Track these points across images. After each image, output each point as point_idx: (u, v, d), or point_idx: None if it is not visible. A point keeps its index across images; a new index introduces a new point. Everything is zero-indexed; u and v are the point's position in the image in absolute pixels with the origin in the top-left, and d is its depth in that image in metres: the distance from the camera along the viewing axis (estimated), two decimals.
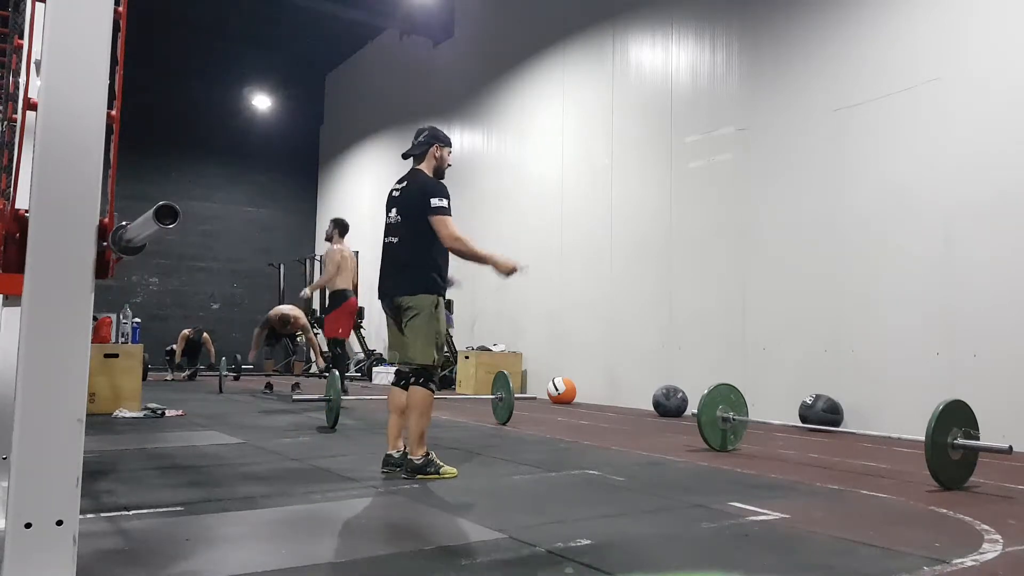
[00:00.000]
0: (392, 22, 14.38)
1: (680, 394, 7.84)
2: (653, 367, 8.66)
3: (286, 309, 10.36)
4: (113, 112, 2.06)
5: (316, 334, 12.76)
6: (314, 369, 13.25)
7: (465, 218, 10.73)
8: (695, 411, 5.12)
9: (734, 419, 5.07)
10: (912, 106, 6.36)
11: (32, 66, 2.81)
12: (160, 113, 16.88)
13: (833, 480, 4.00)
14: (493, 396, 6.88)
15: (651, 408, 8.03)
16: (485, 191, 12.04)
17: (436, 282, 4.02)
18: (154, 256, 17.15)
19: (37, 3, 2.35)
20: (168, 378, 12.99)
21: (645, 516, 3.10)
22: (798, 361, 7.13)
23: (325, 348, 11.55)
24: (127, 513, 2.97)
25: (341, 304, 8.39)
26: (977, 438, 3.86)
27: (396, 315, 4.05)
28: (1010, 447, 3.79)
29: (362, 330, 13.90)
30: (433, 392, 3.98)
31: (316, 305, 14.60)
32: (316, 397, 6.72)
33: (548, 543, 2.56)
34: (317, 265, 16.04)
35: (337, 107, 18.88)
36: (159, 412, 6.92)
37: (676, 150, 8.67)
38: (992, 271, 5.74)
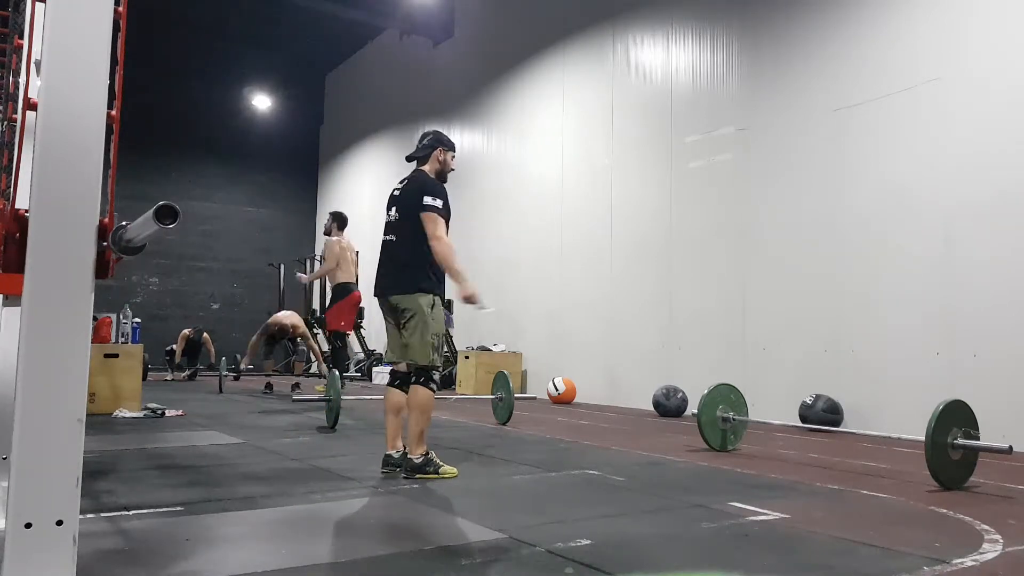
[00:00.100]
0: (392, 22, 14.38)
1: (680, 394, 7.84)
2: (653, 367, 8.66)
3: (285, 319, 10.32)
4: (113, 112, 2.06)
5: (316, 334, 12.78)
6: (314, 369, 13.27)
7: (465, 218, 10.76)
8: (695, 411, 5.12)
9: (734, 419, 5.08)
10: (912, 106, 6.36)
11: (32, 66, 2.81)
12: (160, 113, 16.88)
13: (833, 480, 4.00)
14: (493, 396, 6.88)
15: (651, 408, 8.03)
16: (485, 191, 12.04)
17: (433, 282, 4.02)
18: (154, 256, 17.15)
19: (37, 3, 2.35)
20: (168, 378, 12.99)
21: (645, 516, 3.10)
22: (798, 361, 7.13)
23: (325, 348, 11.57)
24: (127, 513, 2.97)
25: (345, 297, 8.38)
26: (977, 438, 3.86)
27: (393, 314, 4.06)
28: (1010, 447, 3.79)
29: (362, 330, 13.90)
30: (434, 392, 3.98)
31: (316, 305, 14.62)
32: (316, 397, 6.73)
33: (548, 543, 2.56)
34: (317, 264, 16.05)
35: (337, 107, 18.88)
36: (159, 412, 6.92)
37: (676, 150, 8.67)
38: (992, 271, 5.74)
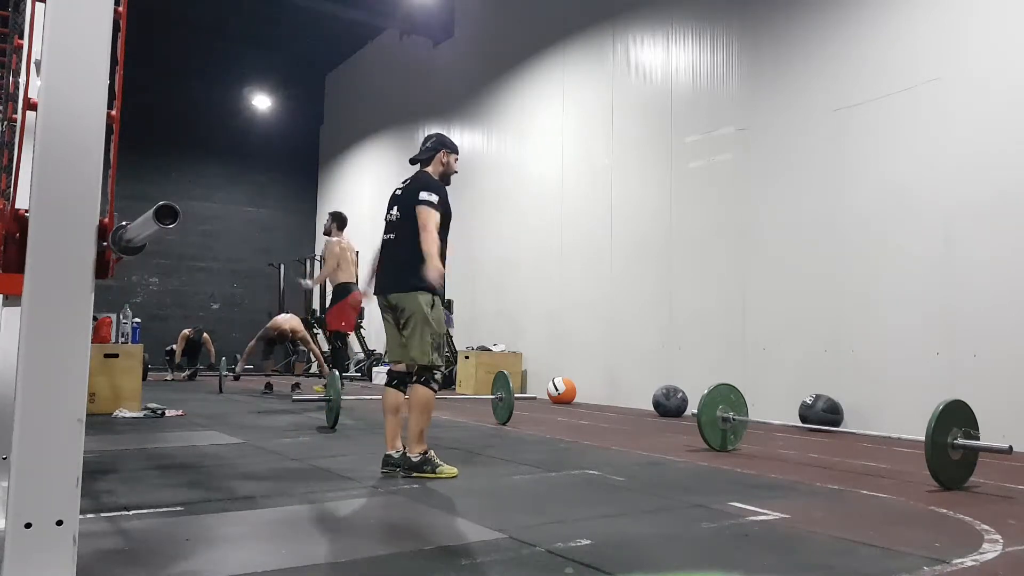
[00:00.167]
0: (392, 22, 14.38)
1: (680, 394, 7.84)
2: (653, 367, 8.66)
3: (284, 324, 10.31)
4: (113, 112, 2.05)
5: (316, 334, 12.77)
6: (314, 369, 13.26)
7: (465, 218, 10.76)
8: (695, 411, 5.12)
9: (734, 419, 5.07)
10: (912, 106, 6.36)
11: (32, 66, 2.81)
12: (160, 113, 16.88)
13: (833, 480, 4.00)
14: (493, 396, 6.88)
15: (651, 408, 8.03)
16: (485, 191, 12.04)
17: (428, 283, 4.01)
18: (154, 256, 17.15)
19: (37, 3, 2.35)
20: (168, 378, 12.99)
21: (645, 516, 3.10)
22: (798, 361, 7.13)
23: (326, 348, 11.56)
24: (127, 513, 2.97)
25: (345, 297, 8.38)
26: (977, 438, 3.86)
27: (392, 313, 4.06)
28: (1010, 447, 3.79)
29: (362, 330, 13.91)
30: (435, 391, 3.98)
31: (316, 305, 14.62)
32: (316, 397, 6.72)
33: (548, 543, 2.56)
34: (317, 265, 16.05)
35: (337, 107, 18.88)
36: (159, 412, 6.92)
37: (676, 150, 8.67)
38: (992, 271, 5.74)
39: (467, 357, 10.91)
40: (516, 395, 6.97)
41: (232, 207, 18.45)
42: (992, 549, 2.60)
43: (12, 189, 2.77)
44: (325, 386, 6.43)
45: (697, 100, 8.45)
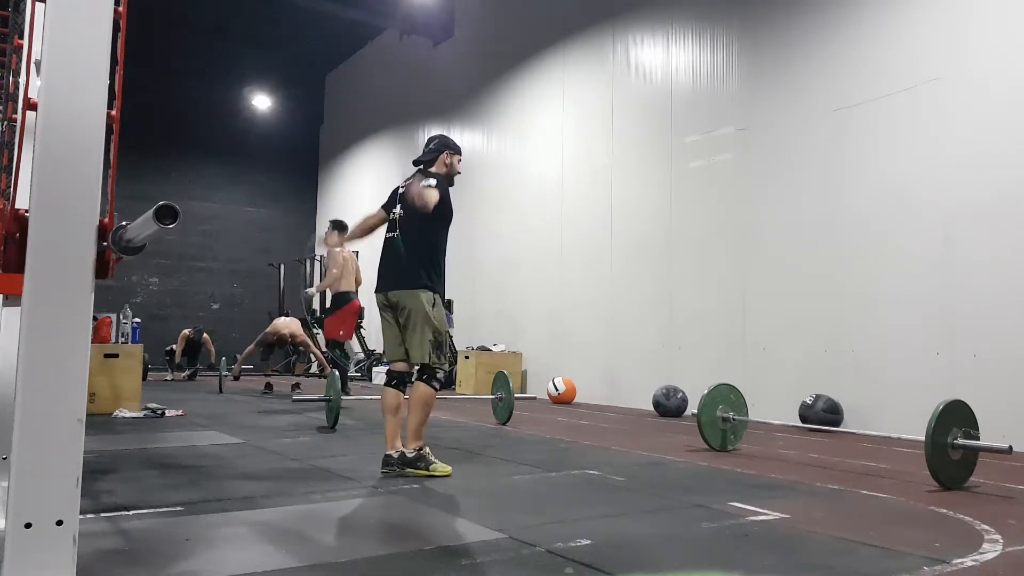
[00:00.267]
0: (392, 22, 14.38)
1: (680, 394, 7.84)
2: (653, 367, 8.66)
3: (283, 329, 10.30)
4: (113, 112, 2.05)
5: (316, 333, 12.75)
6: (314, 369, 13.25)
7: (465, 218, 10.75)
8: (695, 411, 5.12)
9: (734, 419, 5.07)
10: (912, 106, 6.36)
11: (32, 66, 2.81)
12: (160, 113, 16.88)
13: (833, 480, 4.00)
14: (493, 396, 6.88)
15: (651, 408, 8.03)
16: (485, 191, 12.04)
17: (433, 279, 4.02)
18: (154, 256, 17.16)
19: (37, 3, 2.35)
20: (168, 378, 12.99)
21: (645, 516, 3.10)
22: (798, 361, 7.13)
23: (325, 348, 11.55)
24: (127, 513, 2.97)
25: (343, 306, 8.38)
26: (977, 438, 3.86)
27: (392, 311, 4.06)
28: (1010, 447, 3.79)
29: (362, 330, 13.90)
30: (436, 390, 3.98)
31: (316, 305, 14.61)
32: (316, 397, 6.72)
33: (548, 543, 2.56)
34: (317, 265, 16.04)
35: (337, 107, 18.88)
36: (159, 412, 6.92)
37: (676, 150, 8.67)
38: (992, 271, 5.74)
39: (467, 357, 10.91)
40: (516, 395, 6.97)
41: (232, 207, 18.45)
42: (992, 549, 2.60)
43: (12, 189, 2.77)
44: (327, 385, 6.42)
45: (697, 100, 8.45)
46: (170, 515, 2.96)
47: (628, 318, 9.18)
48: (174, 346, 13.51)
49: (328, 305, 8.84)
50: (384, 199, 4.38)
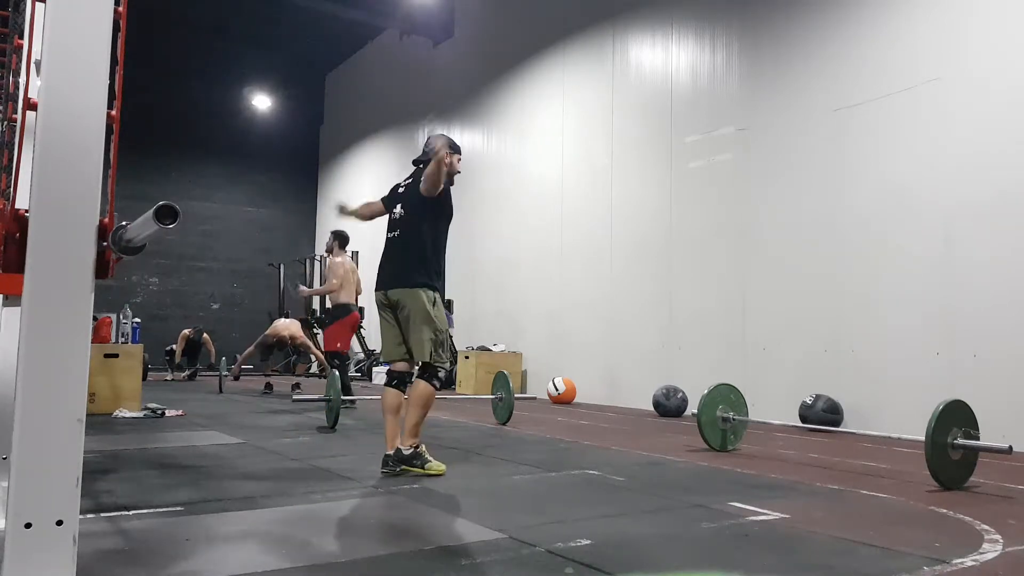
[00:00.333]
0: (392, 22, 14.38)
1: (680, 394, 7.84)
2: (653, 367, 8.66)
3: (283, 331, 10.29)
4: (113, 112, 2.05)
5: (316, 333, 12.76)
6: (314, 369, 13.25)
7: (465, 218, 10.76)
8: (695, 411, 5.12)
9: (734, 419, 5.07)
10: (912, 106, 6.36)
11: (32, 66, 2.81)
12: (160, 113, 16.88)
13: (833, 480, 4.00)
14: (493, 396, 6.88)
15: (651, 408, 8.03)
16: (485, 191, 12.04)
17: (432, 278, 4.03)
18: (154, 256, 17.16)
19: (37, 3, 2.35)
20: (168, 378, 12.99)
21: (645, 516, 3.10)
22: (798, 361, 7.13)
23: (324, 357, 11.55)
24: (127, 513, 2.97)
25: (343, 317, 8.38)
26: (977, 438, 3.86)
27: (392, 310, 4.06)
28: (1010, 447, 3.79)
29: (363, 331, 13.91)
30: (436, 388, 3.99)
31: (316, 305, 14.61)
32: (316, 397, 6.73)
33: (548, 543, 2.56)
34: (317, 266, 16.04)
35: (337, 107, 18.88)
36: (159, 412, 6.92)
37: (676, 150, 8.67)
38: (992, 271, 5.74)
39: (467, 357, 10.91)
40: (516, 395, 6.96)
41: (232, 207, 18.46)
42: (992, 549, 2.60)
43: (12, 189, 2.77)
44: (327, 384, 6.41)
45: (697, 100, 8.45)
46: (170, 515, 2.96)
47: (628, 318, 9.18)
48: (174, 346, 13.51)
49: (329, 316, 8.81)
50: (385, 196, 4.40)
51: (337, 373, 6.45)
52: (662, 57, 8.99)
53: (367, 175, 16.75)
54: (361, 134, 17.11)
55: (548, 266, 10.64)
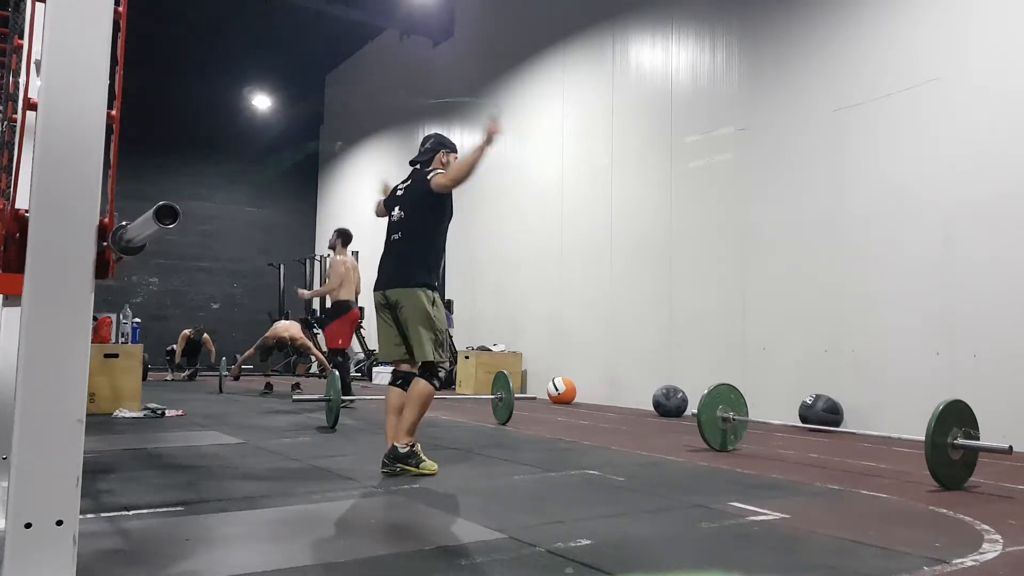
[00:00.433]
0: (392, 22, 14.38)
1: (680, 394, 7.84)
2: (653, 367, 8.66)
3: (283, 332, 10.29)
4: (113, 112, 2.05)
5: (316, 333, 12.75)
6: (314, 369, 13.25)
7: (465, 218, 10.75)
8: (695, 411, 5.12)
9: (734, 419, 5.08)
10: (912, 106, 6.36)
11: (32, 66, 2.81)
12: (160, 113, 16.88)
13: (833, 480, 4.00)
14: (493, 396, 6.88)
15: (651, 408, 8.03)
16: (485, 191, 12.04)
17: (433, 279, 4.04)
18: (154, 256, 17.16)
19: (37, 3, 2.35)
20: (168, 378, 12.99)
21: (645, 516, 3.10)
22: (798, 361, 7.13)
23: (324, 349, 11.52)
24: (127, 513, 2.97)
25: (343, 314, 8.38)
26: (977, 438, 3.86)
27: (391, 310, 4.06)
28: (1010, 447, 3.79)
29: (362, 330, 13.91)
30: (436, 388, 3.99)
31: (316, 305, 14.62)
32: (316, 397, 6.73)
33: (548, 543, 2.56)
34: (317, 266, 16.04)
35: (337, 107, 18.88)
36: (159, 412, 6.92)
37: (676, 150, 8.67)
38: (992, 271, 5.74)
39: (467, 357, 10.91)
40: (516, 395, 6.96)
41: (232, 207, 18.46)
42: (992, 549, 2.60)
43: (12, 189, 2.77)
44: (328, 385, 6.41)
45: (697, 100, 8.45)
46: (170, 515, 2.96)
47: (628, 318, 9.18)
48: (174, 346, 13.50)
49: (329, 313, 8.82)
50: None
51: (337, 373, 6.45)
52: (662, 57, 8.99)
53: (367, 175, 16.74)
54: (361, 134, 17.11)
55: (548, 266, 10.64)
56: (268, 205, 18.94)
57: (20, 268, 1.93)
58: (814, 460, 4.79)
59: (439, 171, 4.13)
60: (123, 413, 6.83)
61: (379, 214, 4.50)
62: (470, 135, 12.73)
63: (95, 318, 9.08)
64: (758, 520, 2.99)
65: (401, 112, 15.20)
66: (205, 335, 13.57)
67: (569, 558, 2.40)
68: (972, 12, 6.01)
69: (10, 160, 3.72)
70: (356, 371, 13.80)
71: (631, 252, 9.22)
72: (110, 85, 1.99)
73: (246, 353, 10.50)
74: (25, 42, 2.90)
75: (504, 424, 6.60)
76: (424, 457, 3.95)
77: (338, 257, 8.44)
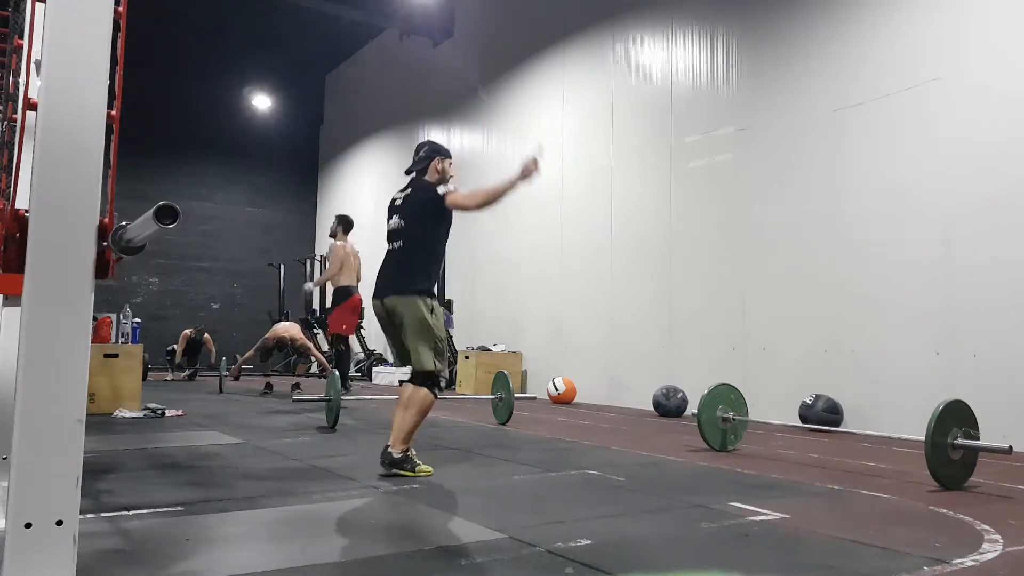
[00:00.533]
0: (392, 22, 14.38)
1: (680, 394, 7.84)
2: (653, 367, 8.66)
3: (283, 332, 10.30)
4: (113, 112, 2.05)
5: (316, 334, 12.75)
6: (314, 369, 13.25)
7: (465, 218, 10.70)
8: (695, 411, 5.12)
9: (734, 419, 5.08)
10: (912, 106, 6.36)
11: (32, 66, 2.81)
12: (160, 113, 16.88)
13: (833, 480, 4.00)
14: (493, 396, 6.88)
15: (651, 408, 8.03)
16: None
17: (427, 286, 4.03)
18: (154, 256, 17.16)
19: (37, 3, 2.35)
20: (168, 378, 12.99)
21: (645, 516, 3.10)
22: (798, 361, 7.13)
23: (325, 348, 11.54)
24: (127, 513, 2.97)
25: (345, 300, 8.39)
26: (977, 438, 3.86)
27: (390, 318, 4.06)
28: (1010, 447, 3.79)
29: (362, 330, 13.91)
30: (436, 396, 3.99)
31: (316, 305, 14.62)
32: (316, 397, 6.72)
33: (548, 543, 2.56)
34: (317, 265, 16.04)
35: (337, 107, 18.88)
36: (159, 412, 6.92)
37: (676, 150, 8.67)
38: (992, 271, 5.74)
39: (467, 357, 10.91)
40: (516, 395, 6.96)
41: (232, 207, 18.46)
42: (992, 549, 2.60)
43: (12, 189, 2.77)
44: (328, 385, 6.42)
45: (697, 100, 8.45)
46: (170, 515, 2.96)
47: (628, 318, 9.18)
48: (175, 346, 13.50)
49: (330, 302, 8.85)
50: (385, 209, 4.38)
51: (337, 373, 6.45)
52: (662, 57, 8.99)
53: (367, 175, 16.75)
54: (361, 134, 17.11)
55: (548, 266, 10.64)
56: (268, 205, 18.95)
57: (20, 268, 1.93)
58: (814, 460, 4.79)
59: (453, 189, 4.06)
60: (123, 413, 6.82)
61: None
62: (470, 135, 12.73)
63: (95, 318, 9.08)
64: (758, 520, 2.99)
65: (401, 112, 15.20)
66: (206, 335, 13.57)
67: (569, 558, 2.40)
68: (972, 12, 6.01)
69: (10, 160, 3.72)
70: (356, 371, 13.80)
71: (631, 252, 9.22)
72: (110, 85, 1.99)
73: (246, 354, 10.51)
74: (25, 42, 2.90)
75: (504, 424, 6.60)
76: (419, 461, 3.95)
77: (338, 243, 8.45)
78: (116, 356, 7.17)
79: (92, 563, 2.25)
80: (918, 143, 6.31)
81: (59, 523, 1.84)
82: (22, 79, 3.25)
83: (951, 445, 3.78)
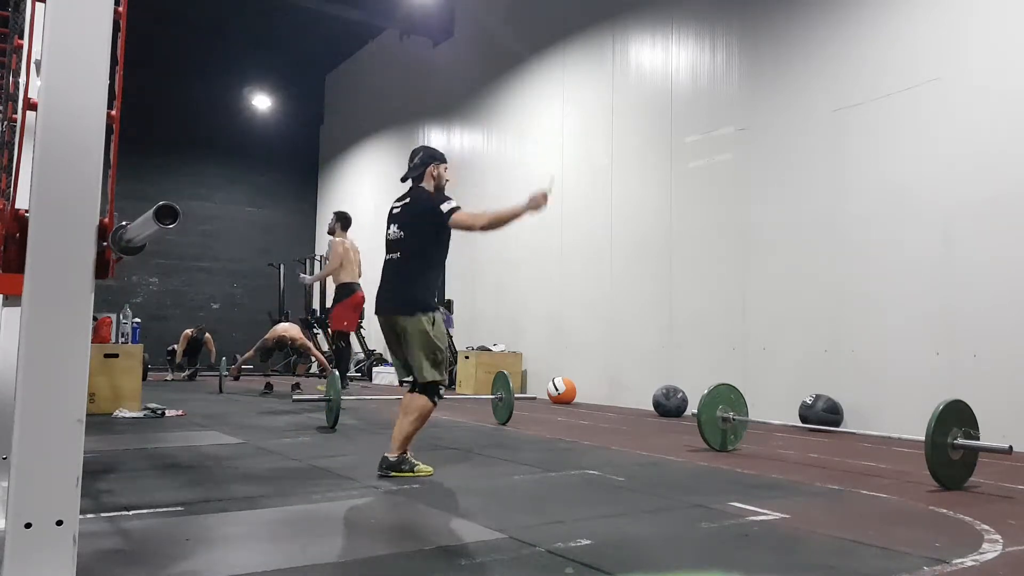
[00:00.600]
0: (392, 22, 14.38)
1: (680, 394, 7.84)
2: (653, 367, 8.66)
3: (283, 332, 10.31)
4: (113, 112, 2.05)
5: (316, 334, 12.74)
6: (314, 369, 13.24)
7: None
8: (695, 411, 5.12)
9: (734, 419, 5.08)
10: (912, 106, 6.36)
11: (32, 66, 2.81)
12: (160, 113, 16.88)
13: (833, 480, 4.00)
14: (493, 396, 6.88)
15: (651, 408, 8.03)
16: (485, 191, 12.02)
17: (429, 300, 4.03)
18: (154, 256, 17.15)
19: (37, 3, 2.35)
20: (168, 378, 12.98)
21: (645, 516, 3.10)
22: (798, 361, 7.13)
23: (326, 347, 11.53)
24: (127, 513, 2.97)
25: (347, 297, 8.38)
26: (977, 438, 3.86)
27: (393, 332, 4.06)
28: (1010, 447, 3.79)
29: (362, 330, 13.91)
30: (435, 405, 4.01)
31: (316, 305, 14.62)
32: (316, 397, 6.72)
33: (548, 543, 2.56)
34: (317, 265, 16.04)
35: (337, 107, 18.88)
36: (159, 412, 6.91)
37: (676, 150, 8.67)
38: (992, 271, 5.74)
39: (467, 357, 10.90)
40: (516, 395, 6.96)
41: (232, 207, 18.45)
42: (992, 549, 2.60)
43: (12, 189, 2.77)
44: (326, 385, 6.43)
45: (697, 100, 8.45)
46: (170, 515, 2.96)
47: (628, 318, 9.18)
48: (175, 346, 13.49)
49: (331, 299, 8.85)
50: (384, 210, 4.37)
51: (337, 373, 6.45)
52: (662, 57, 8.99)
53: (367, 175, 16.75)
54: (361, 134, 17.11)
55: (548, 266, 10.64)
56: (268, 205, 18.94)
57: (20, 268, 1.93)
58: (814, 460, 4.79)
59: (452, 209, 3.95)
60: (123, 413, 6.82)
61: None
62: (470, 135, 12.73)
63: (95, 318, 9.08)
64: (758, 520, 2.99)
65: (401, 112, 15.20)
66: (207, 335, 13.57)
67: (569, 558, 2.40)
68: (972, 12, 6.00)
69: (10, 160, 3.72)
70: (356, 371, 13.80)
71: (631, 252, 9.22)
72: (110, 85, 1.99)
73: (246, 354, 10.51)
74: (25, 42, 2.90)
75: (504, 424, 6.60)
76: (416, 461, 3.95)
77: (337, 239, 8.44)
78: (116, 356, 7.17)
79: (92, 563, 2.25)
80: (918, 143, 6.31)
81: (59, 523, 1.84)
82: (22, 79, 3.25)
83: (951, 445, 3.78)
